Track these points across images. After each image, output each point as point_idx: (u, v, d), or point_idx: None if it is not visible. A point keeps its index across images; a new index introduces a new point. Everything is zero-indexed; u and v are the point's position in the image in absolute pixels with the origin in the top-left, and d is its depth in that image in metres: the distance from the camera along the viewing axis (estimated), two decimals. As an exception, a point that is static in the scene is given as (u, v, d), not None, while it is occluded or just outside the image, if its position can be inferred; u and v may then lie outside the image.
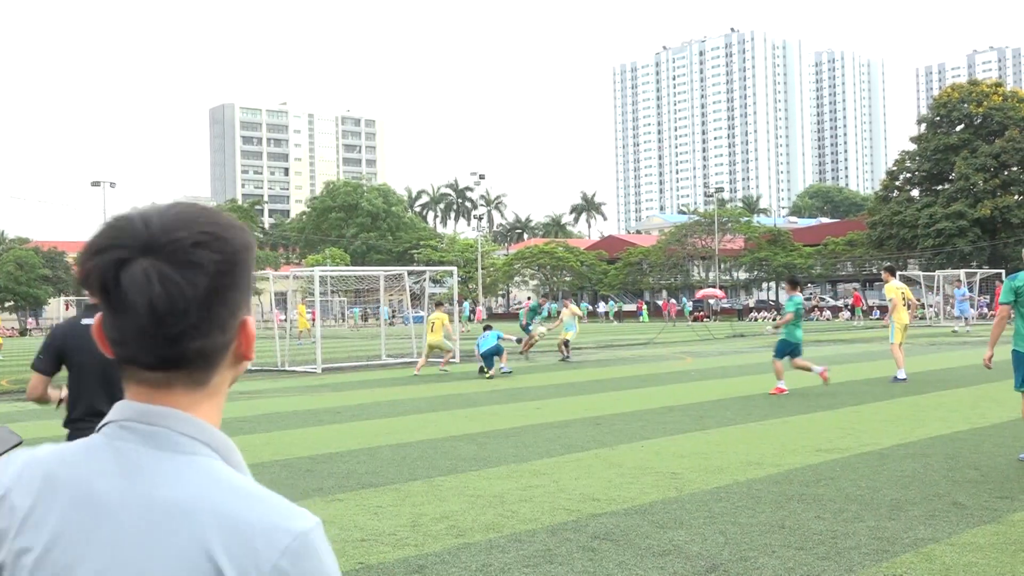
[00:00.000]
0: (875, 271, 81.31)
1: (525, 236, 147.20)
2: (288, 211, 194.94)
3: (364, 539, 6.68)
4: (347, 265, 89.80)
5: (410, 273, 31.52)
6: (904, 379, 17.12)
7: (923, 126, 75.89)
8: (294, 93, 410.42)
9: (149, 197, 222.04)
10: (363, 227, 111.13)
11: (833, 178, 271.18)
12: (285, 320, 31.44)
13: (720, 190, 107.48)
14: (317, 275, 27.20)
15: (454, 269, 32.77)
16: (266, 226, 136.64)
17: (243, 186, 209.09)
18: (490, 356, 21.56)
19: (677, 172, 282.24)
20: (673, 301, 67.28)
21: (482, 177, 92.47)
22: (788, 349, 15.84)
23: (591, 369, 22.68)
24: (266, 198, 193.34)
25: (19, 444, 2.05)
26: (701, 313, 70.34)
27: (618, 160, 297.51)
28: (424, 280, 31.12)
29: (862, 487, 7.96)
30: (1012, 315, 9.08)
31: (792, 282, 16.62)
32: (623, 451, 10.22)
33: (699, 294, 75.40)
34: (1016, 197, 68.69)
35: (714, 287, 79.27)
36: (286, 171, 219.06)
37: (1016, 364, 9.02)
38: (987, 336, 25.89)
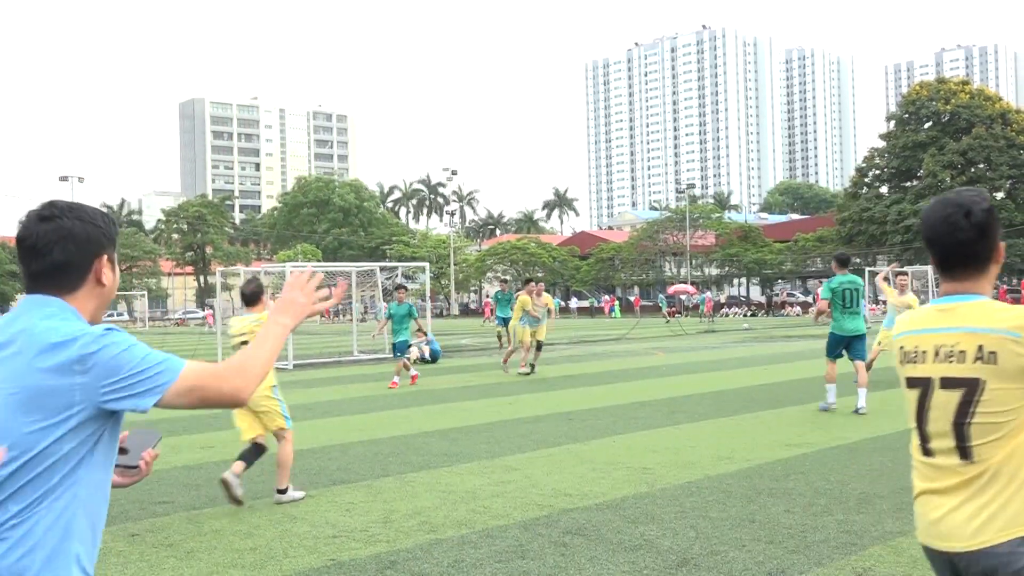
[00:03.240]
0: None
1: (497, 232, 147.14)
2: (259, 207, 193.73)
3: (336, 535, 6.66)
4: (319, 261, 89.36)
5: (382, 269, 31.45)
6: None
7: (892, 123, 76.61)
8: (265, 88, 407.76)
9: (118, 192, 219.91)
10: (335, 223, 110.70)
11: (803, 175, 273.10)
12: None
13: (692, 186, 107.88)
14: (289, 271, 27.06)
15: (426, 265, 32.74)
16: (237, 222, 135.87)
17: (213, 181, 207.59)
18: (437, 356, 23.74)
19: (649, 168, 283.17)
20: (708, 296, 67.05)
21: (454, 173, 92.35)
22: (402, 348, 18.69)
23: (563, 365, 22.73)
24: (237, 193, 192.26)
25: (160, 439, 2.36)
26: (673, 309, 70.65)
27: (590, 156, 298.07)
28: (396, 276, 31.09)
29: (831, 481, 8.03)
30: (831, 307, 12.83)
31: (399, 287, 20.06)
32: (595, 446, 10.25)
33: (670, 290, 75.73)
34: (983, 194, 69.58)
35: (685, 283, 79.63)
36: (257, 166, 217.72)
37: (830, 342, 12.90)
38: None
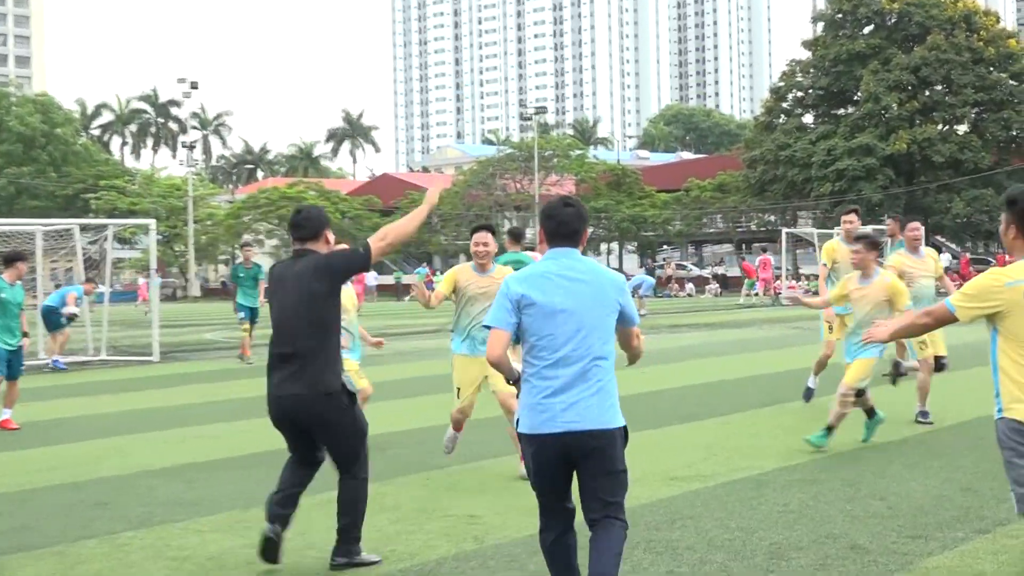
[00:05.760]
0: (754, 227, 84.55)
1: (260, 174, 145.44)
2: None
3: (9, 628, 6.48)
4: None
5: (84, 229, 30.56)
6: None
7: (820, 26, 79.20)
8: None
9: None
10: (11, 158, 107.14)
11: (699, 96, 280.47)
12: None
13: (542, 111, 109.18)
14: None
15: (152, 223, 31.99)
16: None
17: None
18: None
19: (482, 86, 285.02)
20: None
21: (194, 86, 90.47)
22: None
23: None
24: None
25: None
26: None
27: (397, 69, 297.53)
28: (105, 239, 30.26)
29: (731, 528, 8.29)
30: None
31: (9, 260, 21.55)
32: (400, 486, 10.30)
33: (513, 260, 76.45)
34: (940, 127, 72.09)
35: (533, 250, 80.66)
36: None
37: None
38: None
